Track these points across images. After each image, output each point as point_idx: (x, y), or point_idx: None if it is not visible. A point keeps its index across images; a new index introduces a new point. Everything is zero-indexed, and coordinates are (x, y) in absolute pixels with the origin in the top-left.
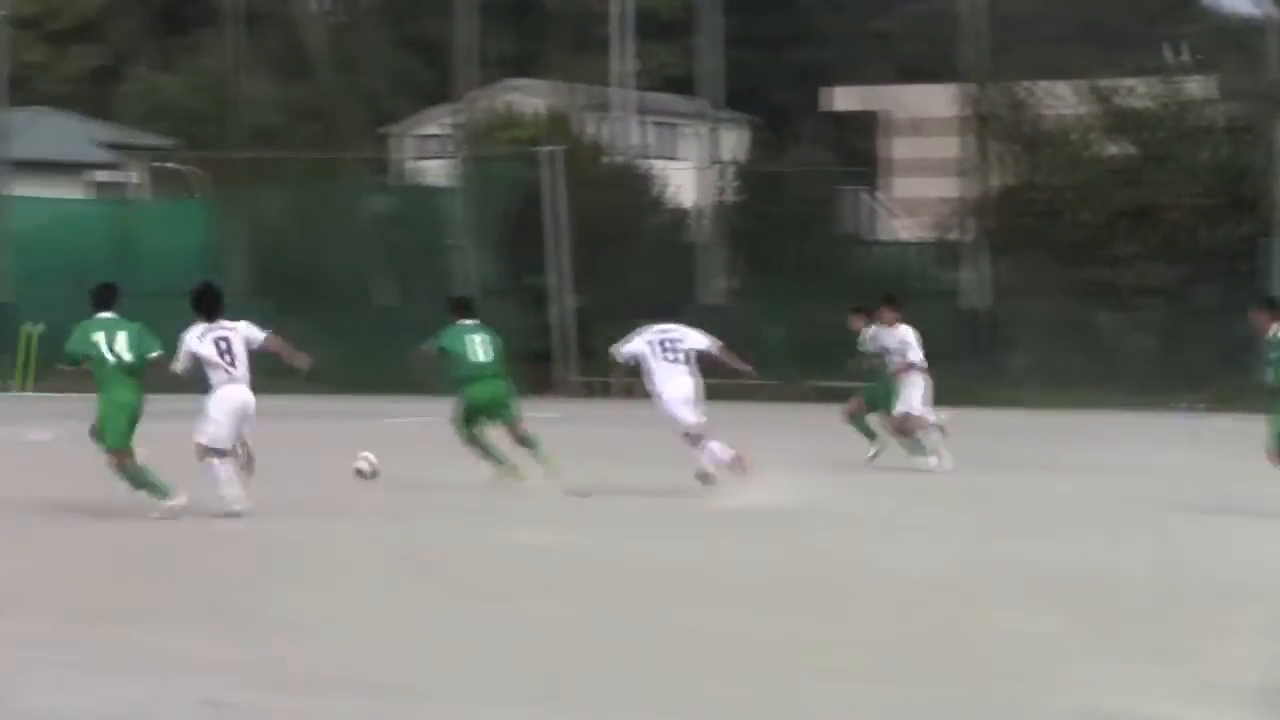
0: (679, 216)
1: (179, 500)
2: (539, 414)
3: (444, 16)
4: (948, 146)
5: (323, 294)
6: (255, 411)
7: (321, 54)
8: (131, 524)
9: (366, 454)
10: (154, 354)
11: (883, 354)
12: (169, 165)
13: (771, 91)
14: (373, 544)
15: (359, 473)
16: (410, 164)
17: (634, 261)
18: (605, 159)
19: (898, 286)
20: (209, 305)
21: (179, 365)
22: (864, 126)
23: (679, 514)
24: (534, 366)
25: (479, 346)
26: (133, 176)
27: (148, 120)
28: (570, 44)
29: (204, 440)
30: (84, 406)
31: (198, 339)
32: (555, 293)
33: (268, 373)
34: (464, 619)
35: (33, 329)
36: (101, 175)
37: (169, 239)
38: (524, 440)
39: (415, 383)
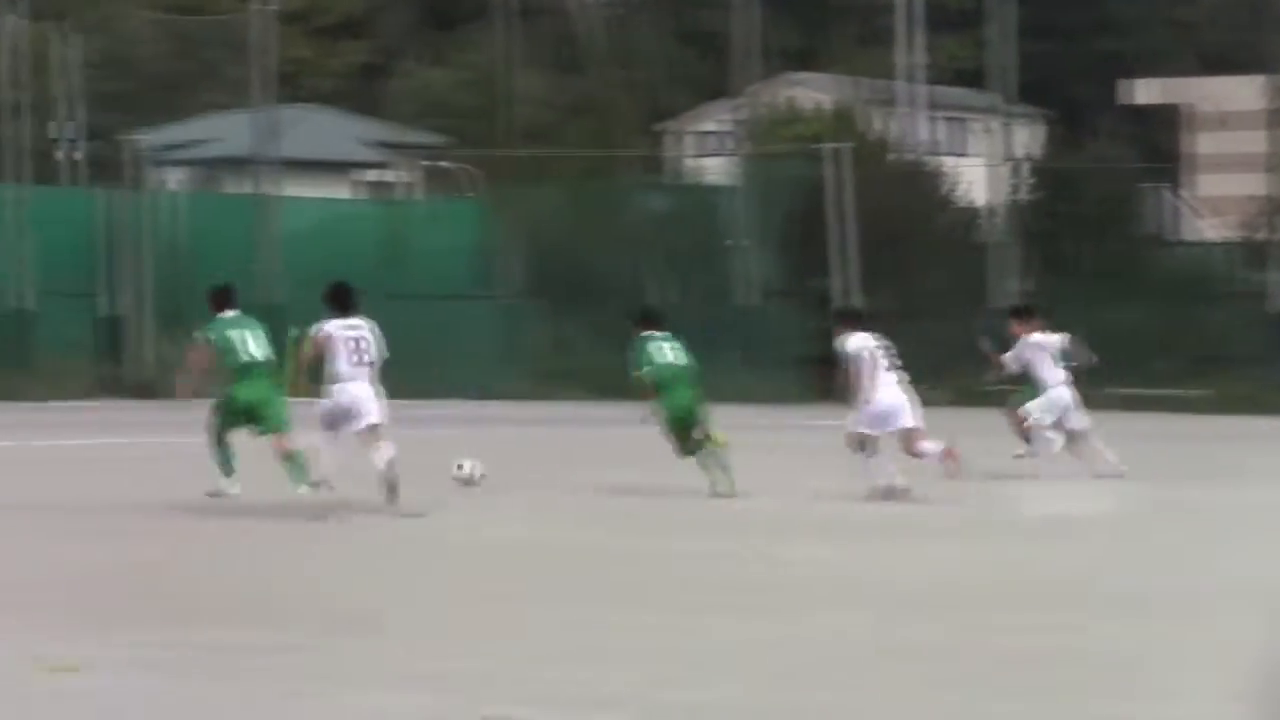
0: (969, 216)
1: (233, 489)
2: (820, 421)
3: (722, 8)
4: (1255, 141)
5: (597, 295)
6: (375, 408)
7: (595, 48)
8: (389, 529)
9: (468, 460)
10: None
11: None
12: (440, 164)
13: (1067, 84)
14: (626, 557)
15: (462, 480)
16: (687, 161)
17: (922, 263)
18: (892, 156)
19: (1202, 289)
20: (343, 302)
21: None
22: (1165, 121)
23: (986, 521)
24: (817, 371)
25: (669, 353)
26: (402, 175)
27: (417, 118)
28: (854, 36)
29: (322, 432)
30: None
31: (335, 331)
32: (840, 295)
33: (541, 376)
34: (736, 633)
35: (293, 332)
36: (370, 174)
37: (440, 240)
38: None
39: None
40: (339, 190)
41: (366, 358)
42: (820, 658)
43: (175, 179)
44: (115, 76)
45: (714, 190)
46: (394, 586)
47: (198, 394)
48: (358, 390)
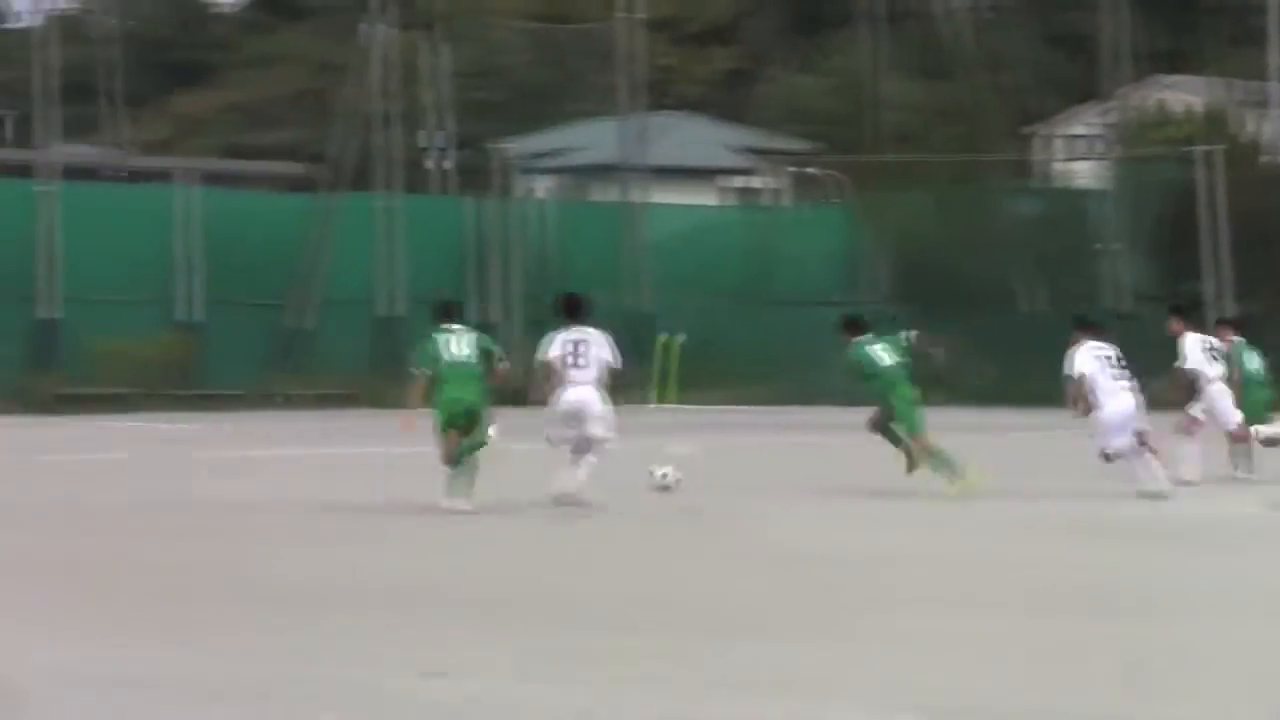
0: None
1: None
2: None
3: (1090, 10)
4: None
5: (967, 300)
6: (599, 413)
7: (963, 52)
8: (743, 533)
9: (666, 467)
10: (502, 362)
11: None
12: (807, 170)
13: None
14: (975, 560)
15: (661, 488)
16: (1056, 165)
17: None
18: (1265, 158)
19: None
20: (571, 311)
21: (541, 362)
22: None
23: None
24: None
25: (885, 356)
26: (769, 182)
27: (784, 124)
28: (1226, 37)
29: (552, 442)
30: (725, 419)
31: (555, 342)
32: (1212, 300)
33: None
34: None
35: (673, 339)
36: (737, 181)
37: (807, 246)
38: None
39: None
40: (706, 197)
41: (582, 361)
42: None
43: (542, 187)
44: (484, 86)
45: (1083, 194)
46: (767, 591)
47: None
48: (580, 395)
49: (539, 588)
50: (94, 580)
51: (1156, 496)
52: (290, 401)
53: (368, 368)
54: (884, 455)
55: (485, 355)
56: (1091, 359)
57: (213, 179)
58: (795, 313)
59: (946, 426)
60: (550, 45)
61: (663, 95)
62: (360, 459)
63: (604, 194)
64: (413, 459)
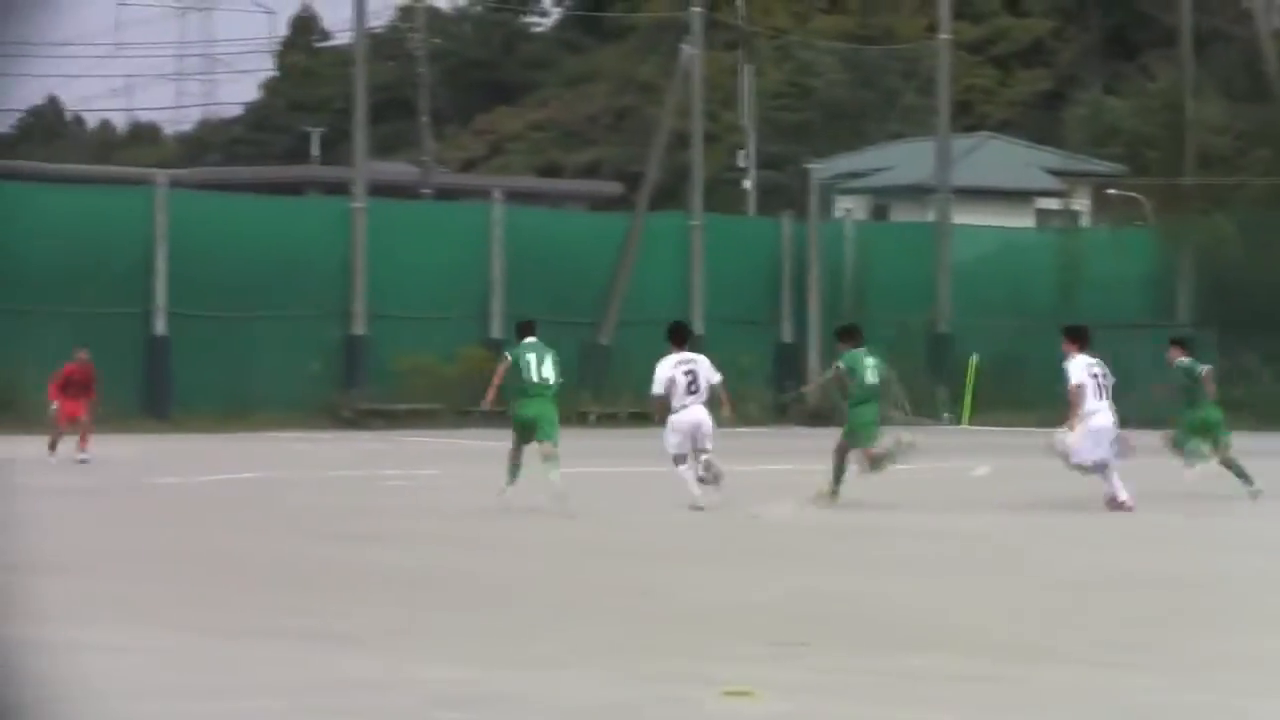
0: None
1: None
2: None
3: None
4: None
5: (1274, 325)
6: (710, 430)
7: (1276, 74)
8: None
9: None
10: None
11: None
12: (1113, 192)
13: None
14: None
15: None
16: None
17: None
18: None
19: None
20: (679, 339)
21: (657, 388)
22: None
23: None
24: None
25: (870, 371)
26: (1076, 203)
27: (1094, 145)
28: None
29: (670, 450)
30: (1021, 441)
31: (670, 367)
32: None
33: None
34: None
35: (972, 359)
36: (1043, 203)
37: (1114, 268)
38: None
39: None
40: (1016, 219)
41: (694, 387)
42: None
43: (847, 207)
44: (793, 106)
45: None
46: (1068, 613)
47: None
48: (695, 415)
49: (841, 609)
50: (449, 596)
51: (1123, 509)
52: (594, 420)
53: None
54: (1179, 473)
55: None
56: (1085, 373)
57: (522, 197)
58: (1101, 335)
59: (1258, 452)
60: (860, 66)
61: (974, 116)
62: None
63: (905, 214)
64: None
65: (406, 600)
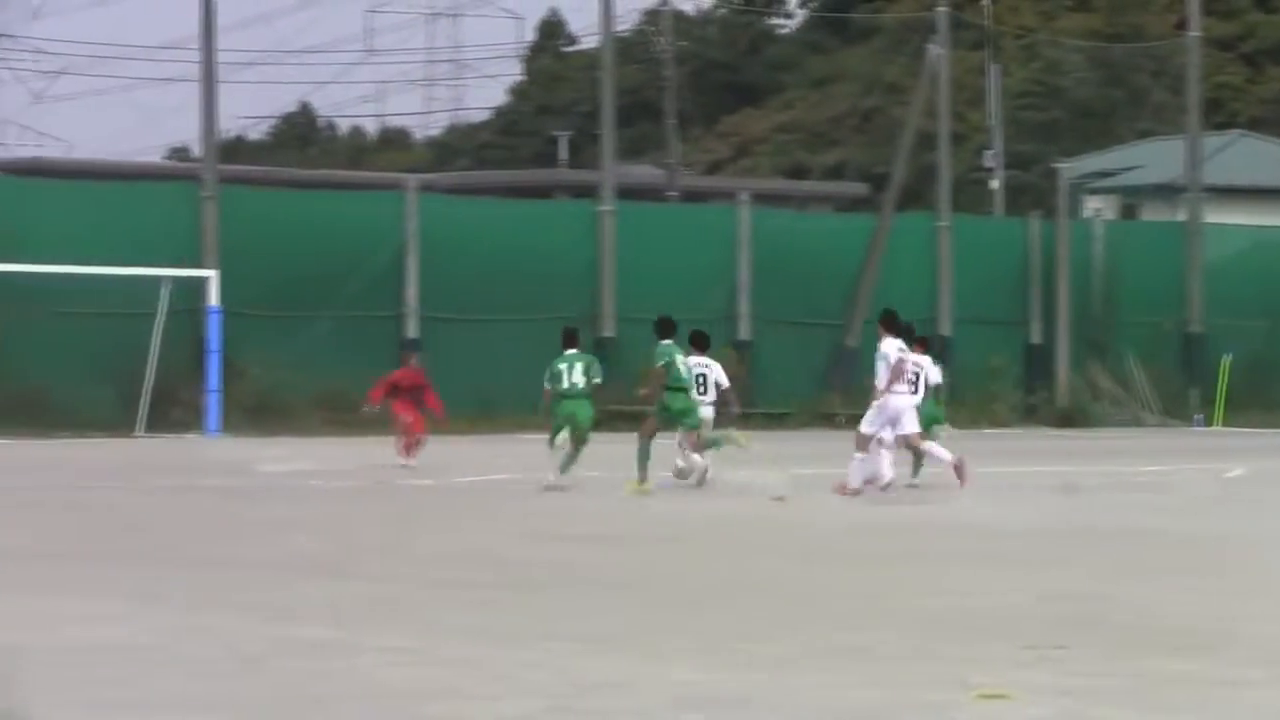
0: None
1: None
2: None
3: None
4: None
5: None
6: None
7: None
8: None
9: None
10: (598, 380)
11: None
12: None
13: None
14: None
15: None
16: None
17: None
18: None
19: None
20: (700, 344)
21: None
22: None
23: None
24: None
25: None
26: None
27: None
28: None
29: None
30: (1275, 443)
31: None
32: None
33: None
34: None
35: (1225, 360)
36: None
37: None
38: None
39: None
40: (1266, 217)
41: (703, 389)
42: None
43: (1096, 207)
44: (1040, 105)
45: None
46: None
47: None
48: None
49: (1097, 612)
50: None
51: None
52: (842, 422)
53: None
54: None
55: (590, 378)
56: (897, 352)
57: (768, 199)
58: None
59: None
60: (1108, 64)
61: (1225, 114)
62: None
63: (1155, 214)
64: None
65: (642, 600)
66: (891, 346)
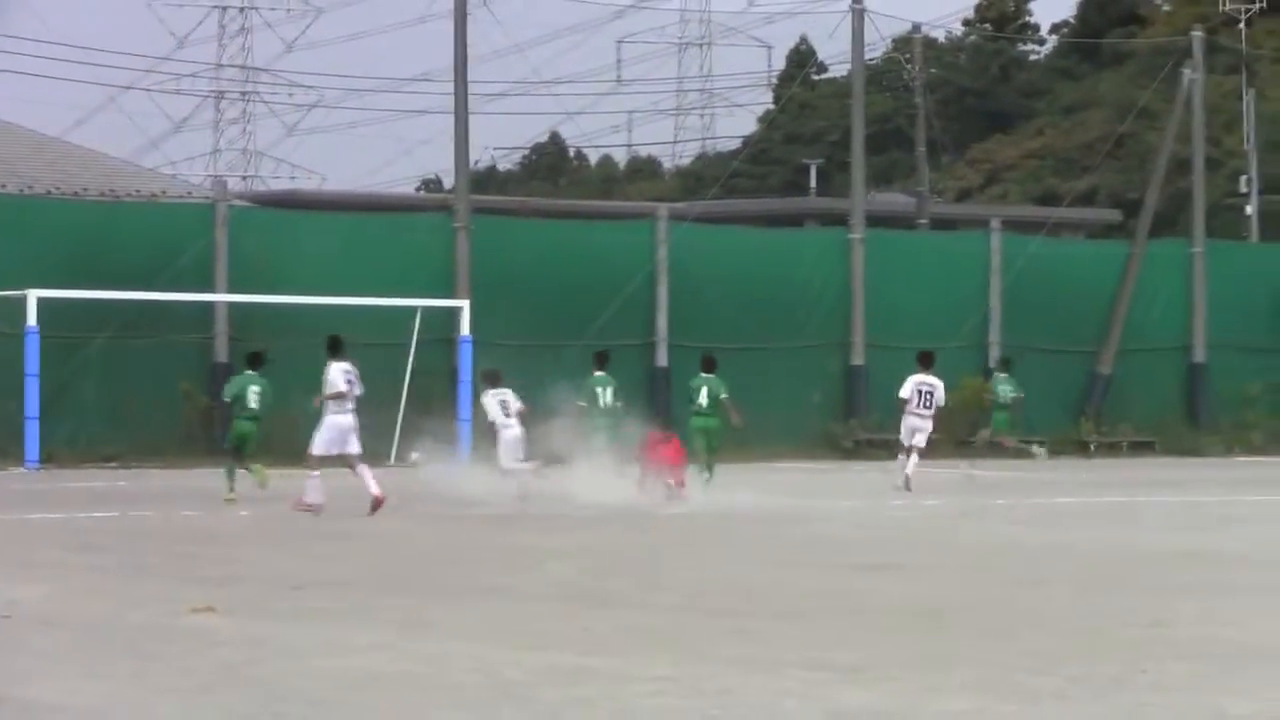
0: None
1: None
2: None
3: None
4: None
5: None
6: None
7: None
8: None
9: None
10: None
11: None
12: None
13: None
14: None
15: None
16: None
17: None
18: None
19: None
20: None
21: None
22: None
23: None
24: None
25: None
26: None
27: None
28: None
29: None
30: None
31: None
32: None
33: None
34: None
35: None
36: None
37: None
38: None
39: None
40: None
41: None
42: None
43: None
44: None
45: None
46: None
47: None
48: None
49: None
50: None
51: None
52: (1094, 450)
53: (1170, 414)
54: None
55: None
56: (913, 388)
57: (1019, 225)
58: None
59: None
60: None
61: None
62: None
63: None
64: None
65: (910, 629)
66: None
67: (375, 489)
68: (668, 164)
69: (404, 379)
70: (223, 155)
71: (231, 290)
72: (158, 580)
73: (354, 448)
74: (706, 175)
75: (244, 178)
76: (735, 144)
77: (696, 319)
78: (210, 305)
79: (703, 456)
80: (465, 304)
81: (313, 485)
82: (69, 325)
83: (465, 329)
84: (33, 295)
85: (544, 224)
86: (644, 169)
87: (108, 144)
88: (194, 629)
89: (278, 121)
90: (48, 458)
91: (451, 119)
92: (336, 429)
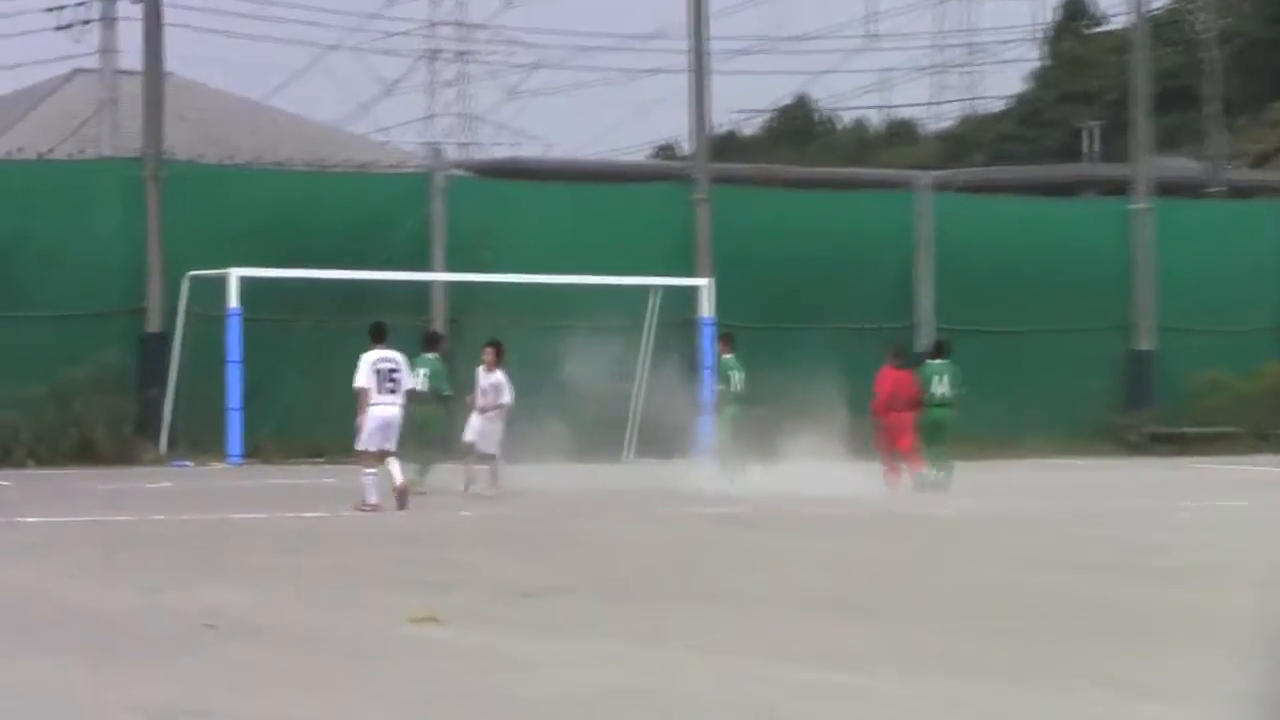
0: None
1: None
2: None
3: None
4: None
5: None
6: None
7: None
8: None
9: None
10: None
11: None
12: None
13: None
14: None
15: None
16: None
17: None
18: None
19: None
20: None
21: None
22: None
23: None
24: None
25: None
26: None
27: None
28: None
29: None
30: None
31: None
32: None
33: None
34: None
35: None
36: None
37: None
38: None
39: None
40: None
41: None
42: None
43: None
44: None
45: None
46: None
47: None
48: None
49: None
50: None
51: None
52: None
53: None
54: None
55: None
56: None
57: None
58: None
59: None
60: None
61: None
62: None
63: None
64: None
65: (1204, 644)
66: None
67: (399, 479)
68: (927, 127)
69: (639, 368)
70: (438, 120)
71: (449, 269)
72: (372, 586)
73: (393, 444)
74: (970, 139)
75: (461, 145)
76: (1002, 104)
77: (963, 300)
78: (426, 285)
79: (938, 452)
80: (706, 282)
81: (369, 484)
82: (271, 307)
83: (706, 310)
84: (234, 274)
85: (790, 194)
86: (900, 133)
87: (313, 109)
88: (413, 639)
89: (497, 83)
90: (251, 451)
91: (688, 79)
92: (380, 421)
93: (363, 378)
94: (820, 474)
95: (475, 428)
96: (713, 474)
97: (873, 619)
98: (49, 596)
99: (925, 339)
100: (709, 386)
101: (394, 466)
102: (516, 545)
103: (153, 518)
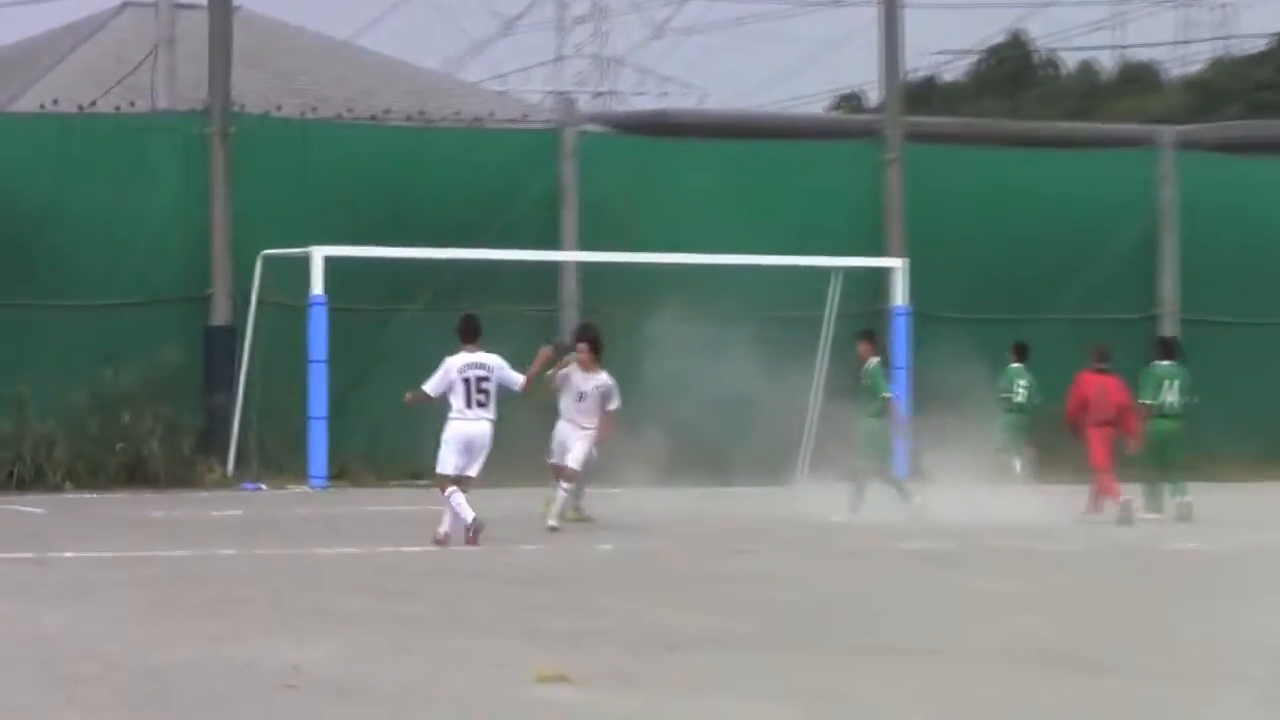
0: None
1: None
2: None
3: None
4: None
5: None
6: None
7: None
8: None
9: None
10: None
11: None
12: None
13: None
14: None
15: None
16: None
17: None
18: None
19: None
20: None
21: None
22: None
23: None
24: None
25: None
26: None
27: None
28: None
29: None
30: None
31: None
32: None
33: None
34: None
35: None
36: None
37: None
38: None
39: None
40: None
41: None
42: None
43: None
44: None
45: None
46: None
47: None
48: None
49: None
50: None
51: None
52: None
53: None
54: None
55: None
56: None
57: None
58: None
59: None
60: None
61: None
62: None
63: None
64: None
65: None
66: None
67: (468, 515)
68: (1172, 73)
69: (816, 368)
70: (568, 64)
71: (583, 245)
72: (488, 636)
73: (475, 469)
74: (1224, 88)
75: (597, 94)
76: (1262, 45)
77: (1216, 284)
78: (555, 266)
79: (1172, 474)
80: (899, 263)
81: (457, 505)
82: (364, 294)
83: (900, 297)
84: (318, 254)
85: (1001, 154)
86: (1139, 79)
87: (415, 51)
88: (540, 702)
89: (640, 18)
90: (338, 472)
91: (876, 12)
92: (457, 438)
93: (435, 384)
94: (1044, 501)
95: (567, 440)
96: (900, 499)
97: (1101, 675)
98: (88, 646)
99: (1169, 333)
100: (899, 395)
101: (459, 501)
102: (664, 586)
103: (218, 552)
